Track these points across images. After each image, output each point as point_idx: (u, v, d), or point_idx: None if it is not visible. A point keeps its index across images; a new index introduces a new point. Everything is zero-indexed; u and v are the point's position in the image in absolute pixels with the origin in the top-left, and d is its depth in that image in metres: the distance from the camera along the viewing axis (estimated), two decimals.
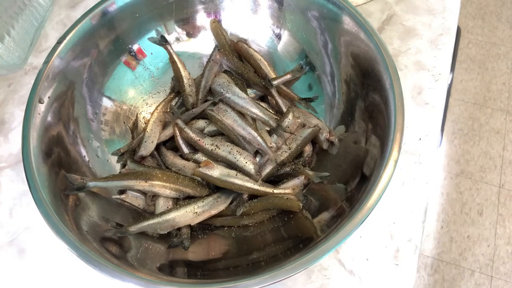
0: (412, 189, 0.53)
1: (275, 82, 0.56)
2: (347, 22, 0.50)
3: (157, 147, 0.55)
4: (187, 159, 0.53)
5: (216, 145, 0.51)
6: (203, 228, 0.50)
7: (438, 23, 0.66)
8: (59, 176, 0.46)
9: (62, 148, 0.48)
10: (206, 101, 0.57)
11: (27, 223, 0.53)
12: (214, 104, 0.54)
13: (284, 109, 0.55)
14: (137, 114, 0.59)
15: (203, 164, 0.49)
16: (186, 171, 0.51)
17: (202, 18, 0.60)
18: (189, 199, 0.50)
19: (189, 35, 0.61)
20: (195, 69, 0.60)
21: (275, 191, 0.49)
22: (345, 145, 0.52)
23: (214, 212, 0.48)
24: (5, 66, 0.63)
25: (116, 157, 0.55)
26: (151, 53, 0.60)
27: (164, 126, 0.56)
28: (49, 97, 0.47)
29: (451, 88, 1.53)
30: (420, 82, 0.61)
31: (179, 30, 0.60)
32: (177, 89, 0.60)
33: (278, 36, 0.60)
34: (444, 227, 1.31)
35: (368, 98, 0.49)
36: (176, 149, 0.55)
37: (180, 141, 0.53)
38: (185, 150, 0.53)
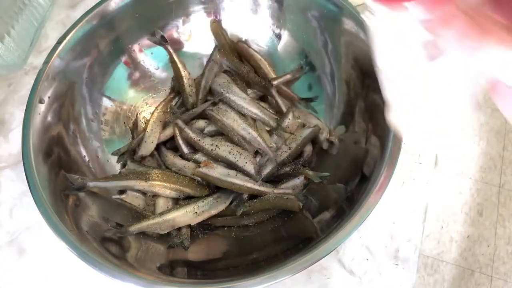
0: (412, 189, 0.53)
1: (275, 82, 0.56)
2: (347, 22, 0.50)
3: (157, 147, 0.55)
4: (187, 159, 0.53)
5: (216, 145, 0.51)
6: (203, 228, 0.50)
7: None
8: (59, 176, 0.46)
9: (62, 148, 0.48)
10: (206, 101, 0.57)
11: (27, 223, 0.53)
12: (214, 104, 0.54)
13: (284, 109, 0.55)
14: (137, 114, 0.59)
15: (203, 164, 0.49)
16: (186, 171, 0.51)
17: (202, 18, 0.60)
18: (189, 199, 0.50)
19: (189, 35, 0.61)
20: (195, 69, 0.60)
21: (275, 191, 0.49)
22: (345, 145, 0.52)
23: (214, 212, 0.48)
24: (5, 66, 0.63)
25: (116, 157, 0.55)
26: (151, 53, 0.60)
27: (164, 126, 0.56)
28: (49, 97, 0.47)
29: None
30: None
31: (179, 30, 0.60)
32: (177, 89, 0.60)
33: (278, 36, 0.60)
34: (444, 227, 1.31)
35: (368, 98, 0.49)
36: (176, 149, 0.55)
37: (180, 141, 0.53)
38: (185, 150, 0.53)
